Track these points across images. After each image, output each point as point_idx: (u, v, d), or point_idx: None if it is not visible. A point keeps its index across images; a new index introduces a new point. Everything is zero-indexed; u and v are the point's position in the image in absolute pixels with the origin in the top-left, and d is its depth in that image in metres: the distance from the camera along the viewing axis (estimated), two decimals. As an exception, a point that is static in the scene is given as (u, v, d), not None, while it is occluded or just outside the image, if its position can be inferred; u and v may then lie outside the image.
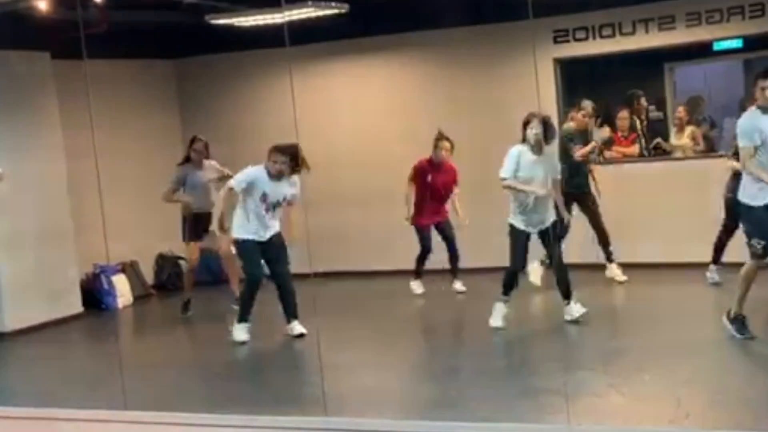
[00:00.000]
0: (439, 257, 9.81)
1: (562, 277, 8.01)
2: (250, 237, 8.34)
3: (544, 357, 7.48)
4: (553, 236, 8.03)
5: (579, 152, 9.27)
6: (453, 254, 9.73)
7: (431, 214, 9.63)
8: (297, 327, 8.35)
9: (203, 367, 8.13)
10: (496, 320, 8.07)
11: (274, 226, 8.40)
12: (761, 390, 6.12)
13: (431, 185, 9.55)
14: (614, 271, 9.51)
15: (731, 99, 12.26)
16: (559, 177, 8.22)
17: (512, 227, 8.00)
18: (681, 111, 11.28)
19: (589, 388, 6.37)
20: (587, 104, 9.54)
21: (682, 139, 11.01)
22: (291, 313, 8.41)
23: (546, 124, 7.99)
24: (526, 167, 7.91)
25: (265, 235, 8.34)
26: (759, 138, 6.85)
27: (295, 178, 8.39)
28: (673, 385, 6.25)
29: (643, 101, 11.54)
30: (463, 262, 9.85)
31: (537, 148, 7.93)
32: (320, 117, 11.01)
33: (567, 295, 8.02)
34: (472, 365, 7.42)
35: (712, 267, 8.99)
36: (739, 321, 7.12)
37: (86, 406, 6.36)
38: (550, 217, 8.07)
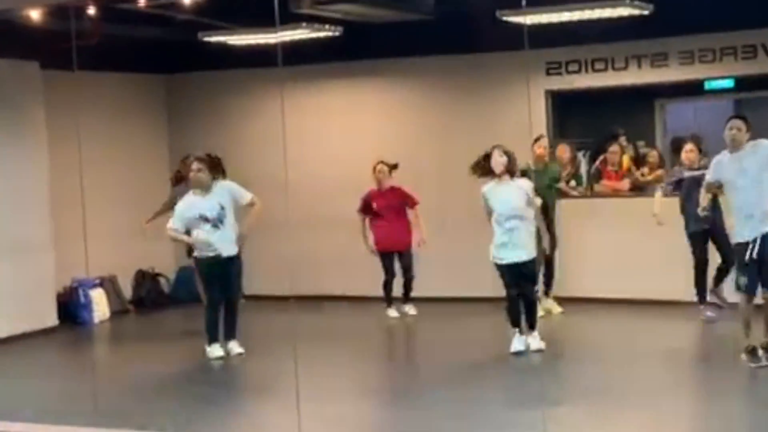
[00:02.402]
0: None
1: (527, 310, 8.14)
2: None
3: (521, 388, 7.38)
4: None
5: None
6: (408, 281, 10.03)
7: (390, 239, 9.91)
8: (236, 347, 8.64)
9: (177, 386, 8.00)
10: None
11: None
12: (743, 426, 6.06)
13: (378, 211, 9.91)
14: (548, 305, 9.62)
15: (720, 138, 12.25)
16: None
17: None
18: (654, 155, 11.29)
19: (568, 422, 6.29)
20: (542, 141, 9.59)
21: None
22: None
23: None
24: None
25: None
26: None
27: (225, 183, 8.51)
28: (653, 422, 6.19)
29: (623, 140, 11.54)
30: (451, 291, 9.77)
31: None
32: (309, 138, 10.95)
33: (530, 326, 8.14)
34: (444, 394, 7.33)
35: None
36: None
37: (57, 421, 6.25)
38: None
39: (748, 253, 7.11)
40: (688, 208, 8.81)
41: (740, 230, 7.23)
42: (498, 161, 7.98)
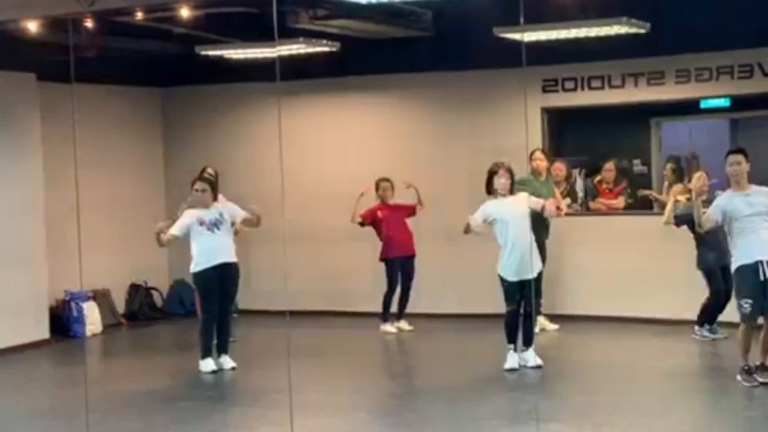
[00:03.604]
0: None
1: (526, 326, 8.20)
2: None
3: (514, 405, 7.34)
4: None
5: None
6: (406, 292, 10.06)
7: (396, 243, 9.97)
8: (228, 361, 8.65)
9: (170, 400, 7.95)
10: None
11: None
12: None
13: (384, 219, 9.98)
14: (542, 322, 9.59)
15: (716, 157, 12.27)
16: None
17: None
18: (667, 170, 11.25)
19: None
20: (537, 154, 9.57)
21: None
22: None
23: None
24: None
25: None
26: None
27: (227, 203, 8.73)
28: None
29: (625, 161, 11.56)
30: (447, 307, 9.77)
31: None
32: (305, 153, 10.95)
33: (528, 342, 8.19)
34: (437, 410, 7.30)
35: None
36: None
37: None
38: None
39: (756, 274, 7.19)
40: (706, 240, 8.76)
41: (744, 253, 7.29)
42: (503, 183, 8.10)
